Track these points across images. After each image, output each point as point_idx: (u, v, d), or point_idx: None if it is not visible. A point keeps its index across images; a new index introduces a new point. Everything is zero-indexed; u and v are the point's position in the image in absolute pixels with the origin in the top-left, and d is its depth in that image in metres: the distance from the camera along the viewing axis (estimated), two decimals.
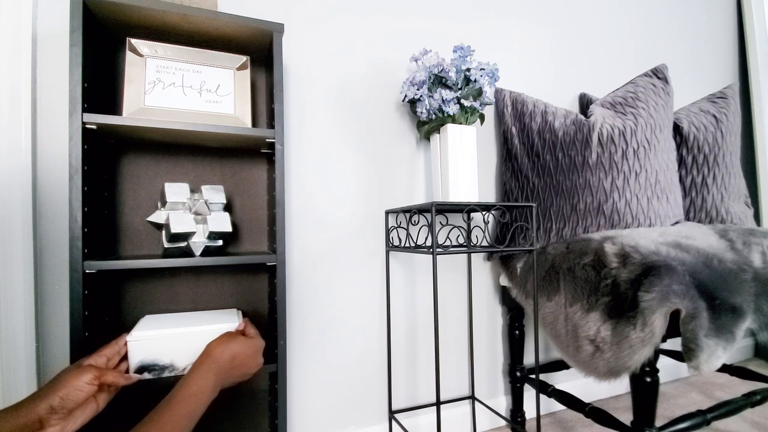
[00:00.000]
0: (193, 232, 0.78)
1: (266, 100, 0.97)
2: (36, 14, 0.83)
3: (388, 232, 1.11)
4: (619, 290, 0.83)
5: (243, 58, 0.86)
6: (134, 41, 0.77)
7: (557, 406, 1.38)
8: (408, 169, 1.17)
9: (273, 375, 0.87)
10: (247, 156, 0.97)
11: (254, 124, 0.97)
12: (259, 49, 0.93)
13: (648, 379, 0.83)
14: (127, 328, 0.85)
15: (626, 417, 1.32)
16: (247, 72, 0.86)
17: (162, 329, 0.73)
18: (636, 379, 0.85)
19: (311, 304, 1.05)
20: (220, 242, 0.83)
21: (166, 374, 0.72)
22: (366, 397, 1.10)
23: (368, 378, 1.11)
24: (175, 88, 0.79)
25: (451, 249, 0.92)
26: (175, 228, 0.75)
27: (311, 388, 1.04)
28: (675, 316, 0.76)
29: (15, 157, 0.79)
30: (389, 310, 1.11)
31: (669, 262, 0.78)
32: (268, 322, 0.97)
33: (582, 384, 1.42)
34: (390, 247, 1.08)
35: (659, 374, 0.90)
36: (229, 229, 0.80)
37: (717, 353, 0.75)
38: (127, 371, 0.70)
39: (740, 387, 1.54)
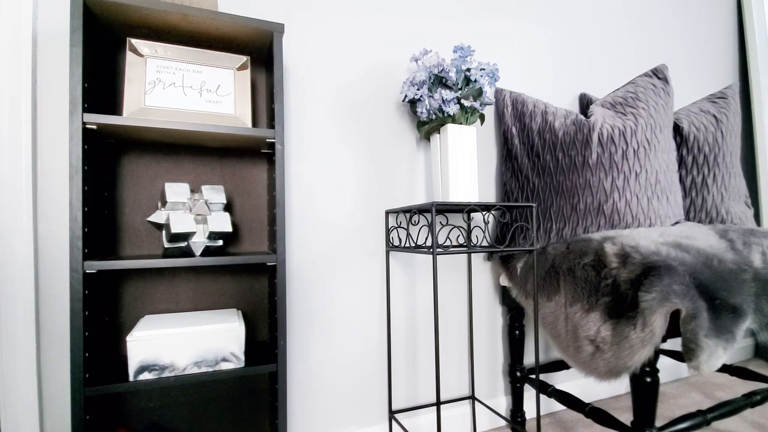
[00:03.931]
0: (193, 232, 0.78)
1: (266, 100, 0.97)
2: (36, 14, 0.83)
3: (388, 232, 1.11)
4: (620, 290, 0.83)
5: (243, 58, 0.86)
6: (134, 41, 0.77)
7: (557, 406, 1.38)
8: (408, 169, 1.17)
9: (273, 375, 0.87)
10: (247, 156, 0.97)
11: (254, 124, 0.97)
12: (259, 49, 0.93)
13: (648, 379, 0.83)
14: (127, 328, 0.85)
15: (626, 417, 1.32)
16: (248, 72, 0.86)
17: (162, 329, 0.73)
18: (636, 379, 0.85)
19: (311, 304, 1.05)
20: (220, 242, 0.83)
21: (166, 374, 0.72)
22: (366, 396, 1.10)
23: (368, 378, 1.11)
24: (175, 88, 0.79)
25: (451, 249, 0.92)
26: (176, 228, 0.75)
27: (311, 388, 1.04)
28: (675, 316, 0.76)
29: (15, 157, 0.79)
30: (389, 310, 1.11)
31: (669, 262, 0.78)
32: (268, 322, 0.97)
33: (582, 384, 1.42)
34: (390, 247, 1.08)
35: (659, 374, 0.90)
36: (229, 229, 0.80)
37: (717, 353, 0.75)
38: (126, 372, 0.70)
39: (740, 387, 1.54)
